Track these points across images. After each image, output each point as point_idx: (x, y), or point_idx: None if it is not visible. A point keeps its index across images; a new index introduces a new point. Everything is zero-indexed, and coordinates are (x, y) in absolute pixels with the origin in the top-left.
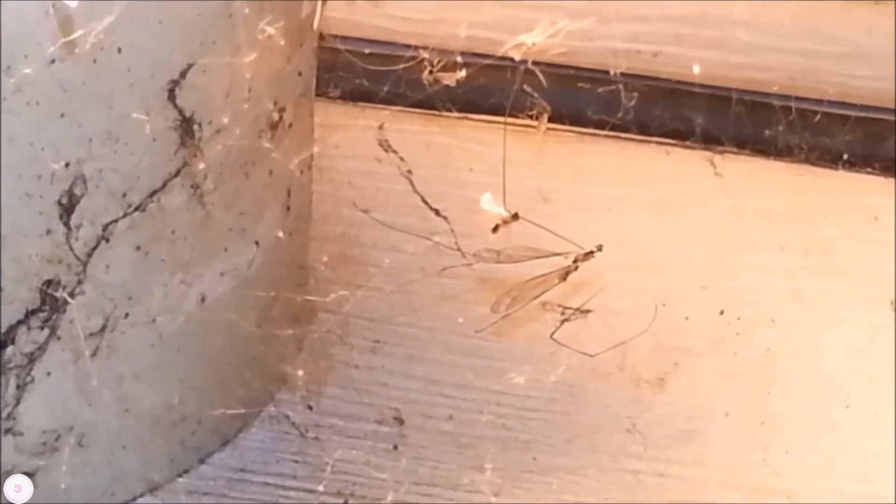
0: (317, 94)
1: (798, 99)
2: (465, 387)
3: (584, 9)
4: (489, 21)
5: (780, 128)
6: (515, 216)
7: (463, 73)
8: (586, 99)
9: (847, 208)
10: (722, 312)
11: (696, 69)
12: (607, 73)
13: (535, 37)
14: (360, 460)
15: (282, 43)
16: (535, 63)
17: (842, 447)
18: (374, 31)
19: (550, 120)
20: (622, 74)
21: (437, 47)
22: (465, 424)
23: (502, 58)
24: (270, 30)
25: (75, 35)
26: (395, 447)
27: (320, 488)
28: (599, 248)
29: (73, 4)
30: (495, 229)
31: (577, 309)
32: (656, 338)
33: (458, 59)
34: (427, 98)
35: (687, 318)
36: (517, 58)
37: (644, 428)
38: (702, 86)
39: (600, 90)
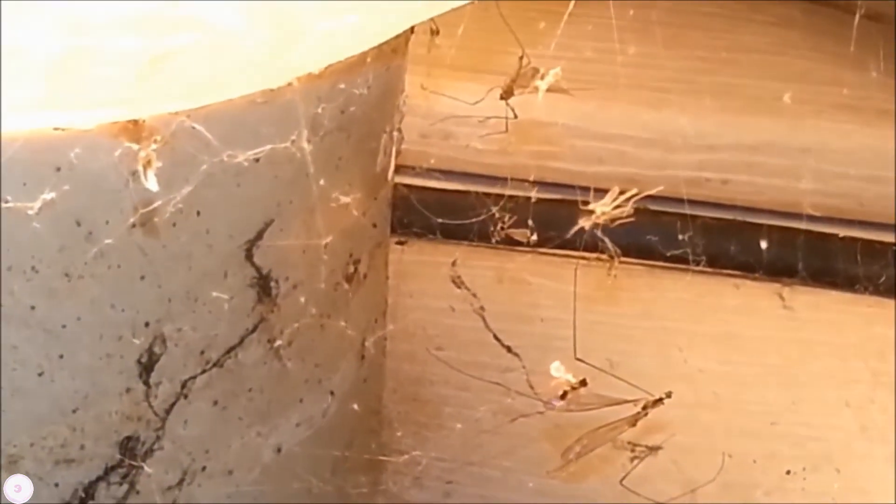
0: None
1: (863, 226)
2: None
3: (652, 139)
4: (561, 152)
5: (847, 259)
6: (583, 382)
7: (535, 237)
8: (656, 233)
9: None
10: (789, 459)
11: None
12: (678, 200)
13: (604, 206)
14: None
15: (355, 213)
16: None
17: None
18: (445, 161)
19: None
20: (690, 204)
21: (509, 202)
22: None
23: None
24: (345, 199)
25: (155, 206)
26: None
27: None
28: (668, 395)
29: (154, 189)
30: (563, 396)
31: (648, 447)
32: (726, 475)
33: (530, 222)
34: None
35: (755, 462)
36: (587, 227)
37: None
38: (769, 212)
39: (670, 224)
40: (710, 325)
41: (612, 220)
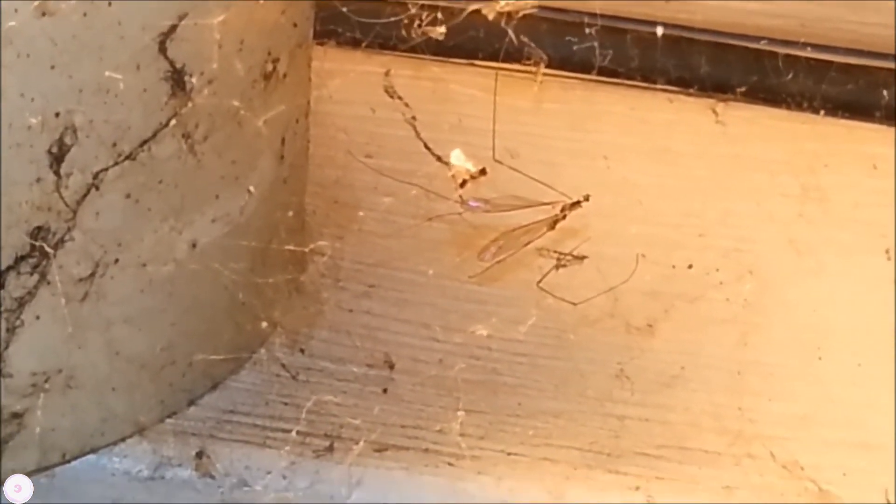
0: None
1: (803, 46)
2: (456, 331)
3: None
4: None
5: (785, 76)
6: (483, 171)
7: (442, 28)
8: (590, 47)
9: (846, 157)
10: (715, 270)
11: (660, 31)
12: (614, 17)
13: None
14: (349, 403)
15: (274, 10)
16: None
17: (826, 396)
18: None
19: (555, 67)
20: (629, 21)
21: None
22: (454, 368)
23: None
24: None
25: None
26: (385, 390)
27: (308, 430)
28: (587, 198)
29: None
30: (463, 184)
31: (573, 255)
32: (649, 284)
33: (439, 14)
34: (422, 46)
35: (674, 267)
36: (490, 17)
37: (632, 374)
38: (706, 31)
39: (604, 38)
40: (640, 138)
41: (517, 11)
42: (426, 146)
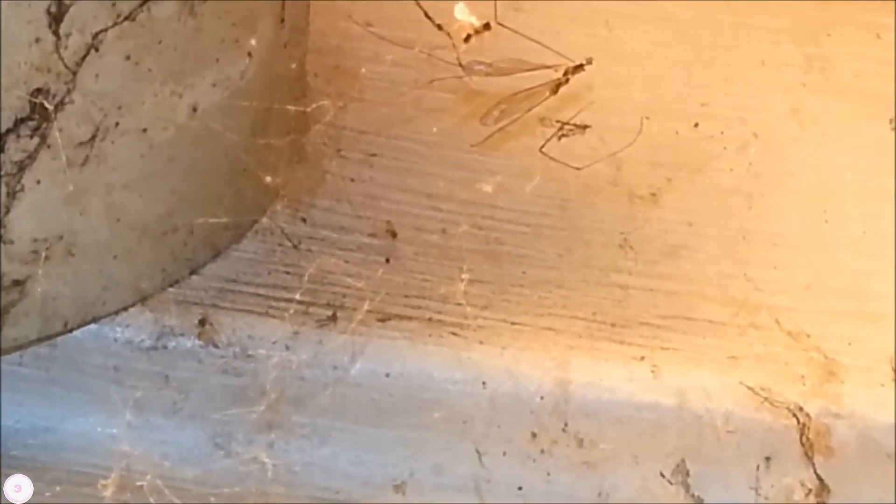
0: None
1: None
2: (458, 200)
3: None
4: None
5: None
6: (487, 26)
7: None
8: None
9: (850, 26)
10: (719, 138)
11: None
12: None
13: None
14: (351, 272)
15: None
16: None
17: (831, 264)
18: None
19: None
20: None
21: None
22: (457, 238)
23: None
24: None
25: None
26: (387, 260)
27: (310, 299)
28: (589, 62)
29: None
30: (467, 39)
31: (575, 124)
32: (652, 153)
33: None
34: None
35: (679, 133)
36: None
37: (635, 243)
38: None
39: None
40: (643, 6)
41: None
42: (426, 15)
